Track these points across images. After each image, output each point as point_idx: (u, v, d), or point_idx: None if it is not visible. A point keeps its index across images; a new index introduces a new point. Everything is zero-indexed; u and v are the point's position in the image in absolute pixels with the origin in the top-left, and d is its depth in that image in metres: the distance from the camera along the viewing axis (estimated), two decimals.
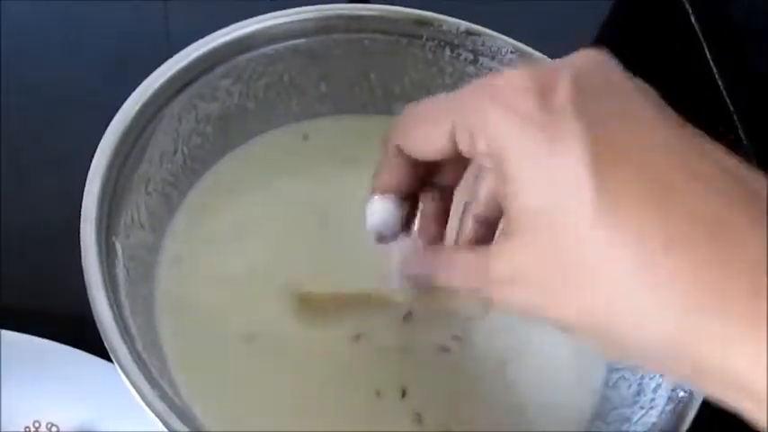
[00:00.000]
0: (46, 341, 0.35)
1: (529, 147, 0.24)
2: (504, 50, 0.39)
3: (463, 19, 0.40)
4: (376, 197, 0.30)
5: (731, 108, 0.55)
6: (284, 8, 0.38)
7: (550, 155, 0.23)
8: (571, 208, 0.23)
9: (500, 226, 0.28)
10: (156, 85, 0.34)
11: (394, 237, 0.31)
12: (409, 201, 0.30)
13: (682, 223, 0.22)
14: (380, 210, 0.30)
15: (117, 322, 0.28)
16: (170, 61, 0.35)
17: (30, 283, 0.41)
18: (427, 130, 0.27)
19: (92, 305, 0.28)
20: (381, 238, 0.31)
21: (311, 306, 0.35)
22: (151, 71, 0.34)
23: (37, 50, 0.50)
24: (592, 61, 0.25)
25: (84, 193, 0.30)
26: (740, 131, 0.54)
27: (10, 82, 0.47)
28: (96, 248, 0.29)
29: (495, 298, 0.26)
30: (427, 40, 0.39)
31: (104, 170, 0.31)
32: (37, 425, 0.34)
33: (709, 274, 0.22)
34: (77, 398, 0.35)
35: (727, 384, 0.22)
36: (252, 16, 0.37)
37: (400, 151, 0.29)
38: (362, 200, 0.34)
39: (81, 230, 0.30)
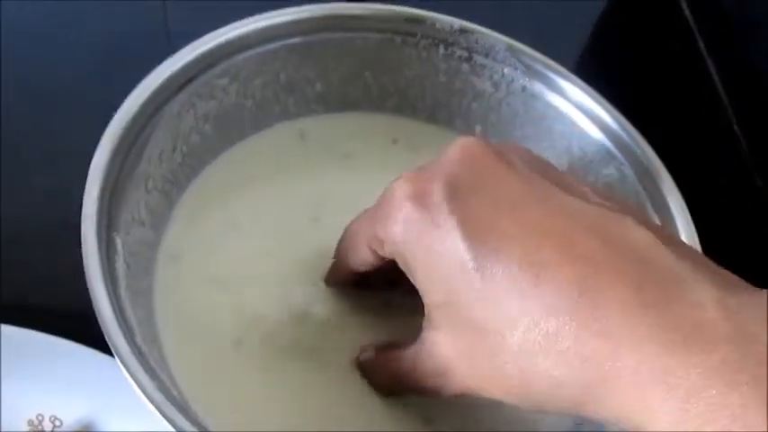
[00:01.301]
0: (48, 336, 0.36)
1: (419, 248, 0.27)
2: (497, 48, 0.40)
3: (458, 17, 0.40)
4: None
5: (726, 101, 0.56)
6: (281, 7, 0.38)
7: (435, 251, 0.27)
8: (463, 298, 0.26)
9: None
10: (156, 84, 0.34)
11: None
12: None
13: (555, 294, 0.25)
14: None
15: (116, 315, 0.28)
16: (169, 60, 0.35)
17: (30, 280, 0.41)
18: (352, 247, 0.32)
19: (92, 298, 0.28)
20: None
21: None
22: (150, 70, 0.35)
23: (35, 49, 0.50)
24: (461, 153, 0.28)
25: (85, 191, 0.31)
26: (734, 124, 0.55)
27: (8, 81, 0.47)
28: (96, 244, 0.30)
29: (435, 391, 0.29)
30: (421, 38, 0.40)
31: (105, 168, 0.32)
32: (40, 418, 0.35)
33: (583, 332, 0.24)
34: (80, 392, 0.35)
35: (632, 426, 0.24)
36: (250, 15, 0.38)
37: (347, 268, 0.33)
38: (359, 196, 0.34)
39: (82, 227, 0.30)
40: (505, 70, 0.40)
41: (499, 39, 0.40)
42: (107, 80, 0.43)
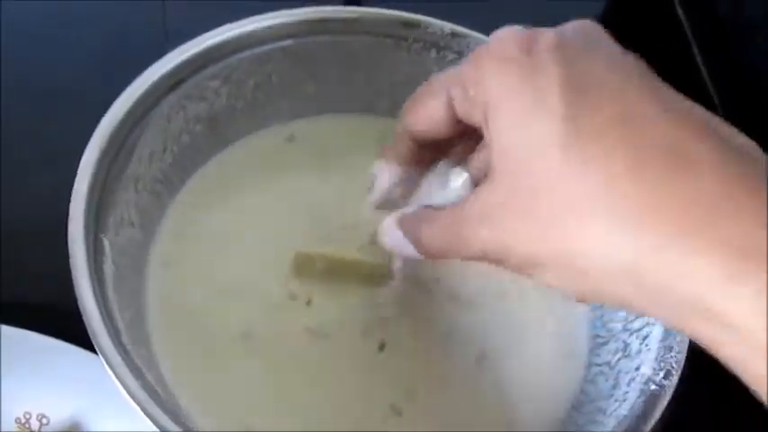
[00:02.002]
0: (37, 335, 0.36)
1: (510, 87, 0.25)
2: None
3: (453, 21, 0.40)
4: (384, 164, 0.32)
5: (718, 104, 0.56)
6: (277, 9, 0.38)
7: (528, 93, 0.24)
8: (543, 139, 0.24)
9: None
10: (146, 85, 0.35)
11: (393, 206, 0.32)
12: (413, 175, 0.32)
13: (645, 148, 0.23)
14: (385, 177, 0.32)
15: (102, 313, 0.28)
16: (159, 62, 0.35)
17: (23, 279, 0.41)
18: (427, 103, 0.29)
19: (77, 296, 0.29)
20: (380, 205, 0.32)
21: (308, 268, 0.35)
22: None
23: (33, 48, 0.51)
24: (580, 25, 0.26)
25: (73, 191, 0.31)
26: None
27: (7, 80, 0.48)
28: (84, 245, 0.30)
29: (467, 241, 0.26)
30: (413, 41, 0.40)
31: (93, 168, 0.32)
32: (28, 416, 0.35)
33: (666, 201, 0.22)
34: (68, 391, 0.35)
35: (688, 311, 0.22)
36: (249, 16, 0.38)
37: (409, 133, 0.30)
38: (348, 198, 0.34)
39: (69, 227, 0.30)
40: None
41: None
42: (106, 80, 0.43)
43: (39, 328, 0.37)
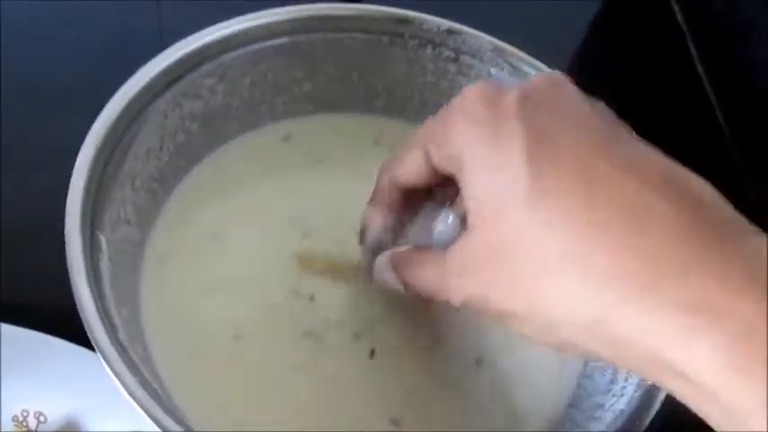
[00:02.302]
0: (34, 332, 0.36)
1: (477, 144, 0.27)
2: (484, 49, 0.40)
3: (446, 18, 0.40)
4: (373, 210, 0.33)
5: (715, 103, 0.56)
6: (271, 7, 0.38)
7: (494, 150, 0.26)
8: (509, 196, 0.25)
9: None
10: (142, 83, 0.35)
11: (378, 246, 0.33)
12: (397, 216, 0.33)
13: (605, 205, 0.24)
14: (376, 222, 0.33)
15: (99, 310, 0.28)
16: (155, 59, 0.35)
17: (21, 278, 0.41)
18: (406, 158, 0.31)
19: (74, 293, 0.29)
20: (373, 248, 0.34)
21: (310, 263, 0.36)
22: None
23: (29, 48, 0.51)
24: (546, 78, 0.28)
25: (70, 187, 0.31)
26: (723, 126, 0.55)
27: (7, 80, 0.47)
28: (80, 241, 0.30)
29: (449, 291, 0.28)
30: (409, 38, 0.40)
31: (89, 165, 0.32)
32: (25, 413, 0.35)
33: (625, 259, 0.23)
34: (66, 389, 0.35)
35: (654, 365, 0.23)
36: (243, 15, 0.38)
37: (394, 183, 0.32)
38: (342, 197, 0.34)
39: (65, 224, 0.30)
40: (492, 70, 0.40)
41: (486, 39, 0.40)
42: (101, 79, 0.43)
43: (36, 326, 0.37)
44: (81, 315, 0.28)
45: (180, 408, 0.31)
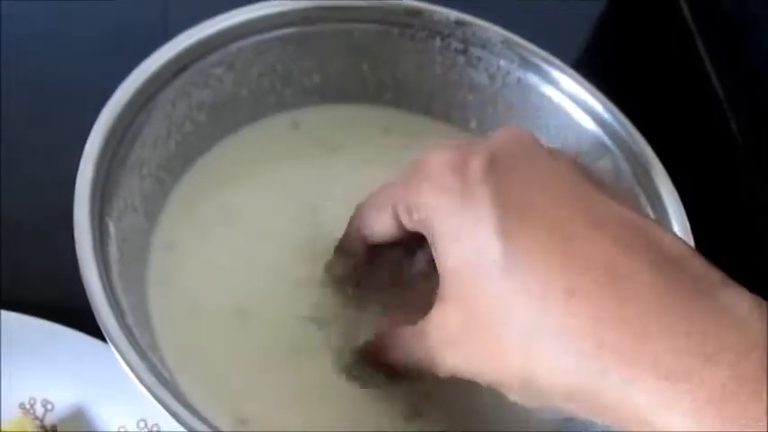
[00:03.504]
0: (43, 321, 0.36)
1: (447, 216, 0.27)
2: (493, 40, 0.40)
3: (455, 9, 0.40)
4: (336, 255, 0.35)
5: (723, 99, 0.56)
6: None
7: (463, 221, 0.26)
8: (484, 267, 0.25)
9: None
10: (150, 70, 0.34)
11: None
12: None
13: (581, 271, 0.24)
14: (335, 270, 0.35)
15: (108, 297, 0.28)
16: (164, 48, 0.35)
17: (29, 269, 0.41)
18: (374, 217, 0.31)
19: (83, 280, 0.28)
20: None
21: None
22: None
23: (34, 40, 0.51)
24: (509, 136, 0.28)
25: (78, 175, 0.31)
26: (731, 122, 0.55)
27: (8, 72, 0.47)
28: (89, 229, 0.30)
29: (437, 367, 0.28)
30: (418, 29, 0.40)
31: (97, 153, 0.32)
32: (32, 401, 0.35)
33: (601, 326, 0.23)
34: (73, 377, 0.35)
35: (628, 421, 0.24)
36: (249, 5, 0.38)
37: (361, 237, 0.32)
38: (348, 187, 0.34)
39: (74, 212, 0.30)
40: (501, 62, 0.40)
41: (495, 31, 0.40)
42: (106, 72, 0.43)
43: (37, 315, 0.37)
44: (90, 302, 0.28)
45: (186, 393, 0.31)
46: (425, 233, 0.28)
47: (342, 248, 0.34)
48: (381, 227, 0.31)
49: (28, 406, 0.35)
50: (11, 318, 0.35)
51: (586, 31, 0.62)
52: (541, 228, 0.25)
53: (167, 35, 0.36)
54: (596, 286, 0.24)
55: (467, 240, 0.26)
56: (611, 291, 0.24)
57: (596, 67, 0.56)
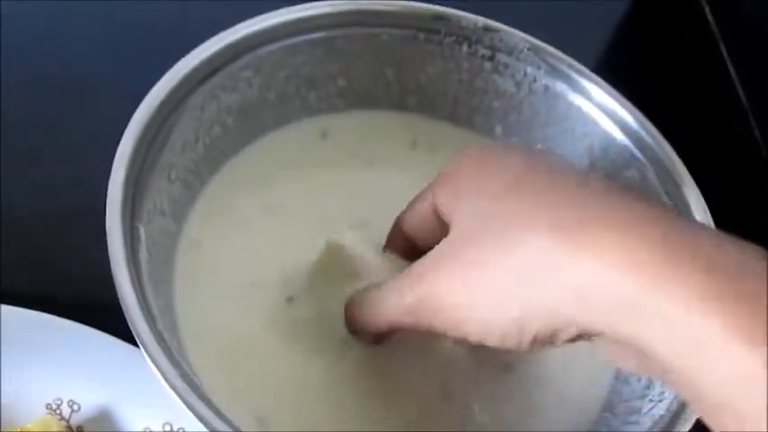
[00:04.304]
0: (70, 321, 0.36)
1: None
2: (520, 47, 0.40)
3: (481, 15, 0.40)
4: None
5: (746, 104, 0.56)
6: (304, 2, 0.38)
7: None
8: (489, 207, 0.29)
9: None
10: (181, 74, 0.34)
11: None
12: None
13: (590, 193, 0.27)
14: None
15: (139, 301, 0.28)
16: (194, 52, 0.35)
17: (52, 269, 0.41)
18: (411, 208, 0.33)
19: (116, 284, 0.29)
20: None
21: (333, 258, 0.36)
22: (169, 64, 0.35)
23: (35, 40, 0.50)
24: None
25: (110, 179, 0.31)
26: (755, 128, 0.54)
27: (8, 72, 0.47)
28: (121, 233, 0.30)
29: (405, 296, 0.29)
30: (445, 35, 0.40)
31: (129, 157, 0.32)
32: (58, 402, 0.35)
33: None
34: (99, 379, 0.36)
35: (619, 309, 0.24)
36: (271, 10, 0.38)
37: (404, 235, 0.34)
38: (376, 198, 0.35)
39: (107, 215, 0.30)
40: (528, 69, 0.40)
41: (522, 38, 0.40)
42: (126, 74, 0.43)
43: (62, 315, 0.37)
44: (123, 307, 0.28)
45: (212, 397, 0.31)
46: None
47: (388, 243, 0.35)
48: (418, 215, 0.33)
49: (54, 406, 0.35)
50: (39, 318, 0.35)
51: (608, 33, 0.61)
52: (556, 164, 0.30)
53: (187, 37, 0.36)
54: (605, 214, 0.26)
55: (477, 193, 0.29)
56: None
57: (617, 70, 0.56)
